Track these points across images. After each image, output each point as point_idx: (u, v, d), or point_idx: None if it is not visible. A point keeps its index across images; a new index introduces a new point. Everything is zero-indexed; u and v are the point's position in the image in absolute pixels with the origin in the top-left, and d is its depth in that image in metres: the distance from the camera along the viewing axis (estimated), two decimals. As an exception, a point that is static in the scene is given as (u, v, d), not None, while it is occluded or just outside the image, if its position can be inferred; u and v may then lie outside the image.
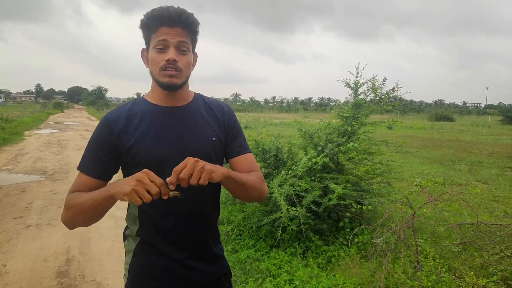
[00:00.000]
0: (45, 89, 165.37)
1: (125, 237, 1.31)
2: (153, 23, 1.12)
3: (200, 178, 0.97)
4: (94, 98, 64.20)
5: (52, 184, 6.70)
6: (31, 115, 28.07)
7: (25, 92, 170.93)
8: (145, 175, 0.95)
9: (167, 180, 0.97)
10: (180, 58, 1.13)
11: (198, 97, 1.32)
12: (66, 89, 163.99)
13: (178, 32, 1.12)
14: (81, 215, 1.08)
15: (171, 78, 1.13)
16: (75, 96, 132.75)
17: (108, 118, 1.19)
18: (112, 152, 1.17)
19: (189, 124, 1.22)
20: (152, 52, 1.14)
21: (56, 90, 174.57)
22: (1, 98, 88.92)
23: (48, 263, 3.49)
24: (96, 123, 25.64)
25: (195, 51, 1.24)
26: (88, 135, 15.72)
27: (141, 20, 1.14)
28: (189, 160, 0.97)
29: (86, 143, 1.20)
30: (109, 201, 1.02)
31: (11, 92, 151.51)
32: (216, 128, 1.27)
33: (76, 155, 10.09)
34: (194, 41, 1.20)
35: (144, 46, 1.20)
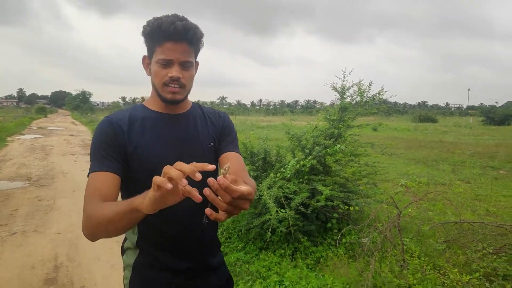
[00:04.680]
0: (27, 93, 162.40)
1: (123, 251, 1.27)
2: (158, 36, 1.09)
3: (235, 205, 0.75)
4: (78, 102, 63.07)
5: (37, 190, 6.59)
6: (14, 120, 27.48)
7: (6, 97, 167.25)
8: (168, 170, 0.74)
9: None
10: (184, 73, 1.12)
11: (196, 105, 1.33)
12: (49, 94, 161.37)
13: (183, 49, 1.10)
14: (102, 227, 0.95)
15: (174, 95, 1.13)
16: (59, 100, 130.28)
17: (112, 119, 1.15)
18: (119, 151, 1.11)
19: (188, 130, 1.23)
20: (155, 66, 1.12)
21: (39, 94, 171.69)
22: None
23: (35, 270, 3.45)
24: (81, 128, 25.26)
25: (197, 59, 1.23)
26: (73, 140, 15.54)
27: (145, 28, 1.11)
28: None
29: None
30: (133, 215, 0.87)
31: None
32: (212, 133, 1.28)
33: (61, 161, 9.93)
34: (197, 52, 1.19)
35: (146, 54, 1.17)
